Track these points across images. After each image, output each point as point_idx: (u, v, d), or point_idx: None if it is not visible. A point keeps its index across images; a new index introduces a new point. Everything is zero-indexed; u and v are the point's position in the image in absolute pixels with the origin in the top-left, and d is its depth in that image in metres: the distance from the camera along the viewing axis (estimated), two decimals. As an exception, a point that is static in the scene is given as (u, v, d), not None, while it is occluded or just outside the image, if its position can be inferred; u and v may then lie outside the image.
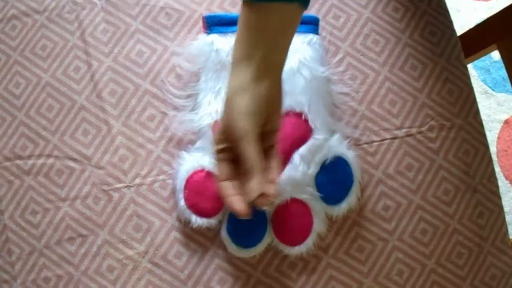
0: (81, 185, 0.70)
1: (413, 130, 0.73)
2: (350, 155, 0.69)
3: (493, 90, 1.53)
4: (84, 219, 0.69)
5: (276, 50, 0.58)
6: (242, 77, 0.57)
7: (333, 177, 0.69)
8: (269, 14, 0.55)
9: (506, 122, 1.50)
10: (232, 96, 0.57)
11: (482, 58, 1.48)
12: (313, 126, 0.70)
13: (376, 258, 0.69)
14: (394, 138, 0.72)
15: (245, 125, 0.56)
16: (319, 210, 0.68)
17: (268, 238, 0.68)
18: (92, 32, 0.74)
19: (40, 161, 0.70)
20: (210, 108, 0.69)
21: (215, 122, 0.68)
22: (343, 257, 0.69)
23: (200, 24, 0.74)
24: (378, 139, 0.72)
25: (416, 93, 0.74)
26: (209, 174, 0.67)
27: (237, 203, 0.58)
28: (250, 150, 0.57)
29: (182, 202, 0.67)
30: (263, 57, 0.57)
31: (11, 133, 0.71)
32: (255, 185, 0.56)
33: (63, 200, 0.69)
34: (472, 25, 1.57)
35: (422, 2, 0.77)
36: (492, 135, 1.48)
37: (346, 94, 0.73)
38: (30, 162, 0.70)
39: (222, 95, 0.69)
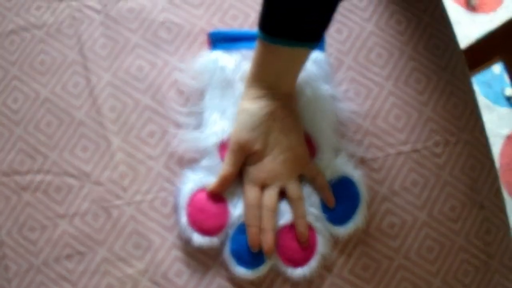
0: (80, 201, 0.68)
1: (419, 145, 0.72)
2: (356, 174, 0.68)
3: (494, 104, 1.53)
4: (83, 236, 0.68)
5: (284, 79, 0.65)
6: (250, 97, 0.65)
7: (339, 198, 0.67)
8: (278, 53, 0.61)
9: (509, 137, 1.49)
10: (238, 113, 0.66)
11: (483, 72, 1.48)
12: (317, 146, 0.69)
13: (382, 277, 0.68)
14: (399, 153, 0.71)
15: (239, 138, 0.64)
16: (323, 231, 0.67)
17: (272, 259, 0.66)
18: (91, 47, 0.73)
19: (39, 177, 0.69)
20: (216, 127, 0.68)
21: (222, 141, 0.67)
22: (348, 276, 0.68)
23: (201, 38, 0.74)
24: (383, 154, 0.71)
25: (421, 107, 0.73)
26: (212, 193, 0.66)
27: (253, 237, 0.64)
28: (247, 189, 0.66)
29: (184, 220, 0.65)
30: (272, 84, 0.64)
31: (9, 149, 0.70)
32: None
33: (62, 216, 0.68)
34: (473, 37, 1.57)
35: (424, 14, 0.76)
36: (494, 150, 1.46)
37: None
38: (28, 177, 0.69)
39: (228, 114, 0.68)
